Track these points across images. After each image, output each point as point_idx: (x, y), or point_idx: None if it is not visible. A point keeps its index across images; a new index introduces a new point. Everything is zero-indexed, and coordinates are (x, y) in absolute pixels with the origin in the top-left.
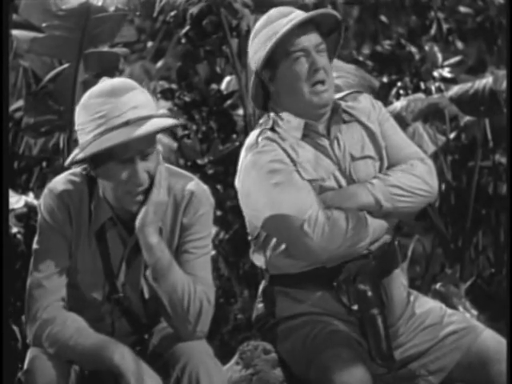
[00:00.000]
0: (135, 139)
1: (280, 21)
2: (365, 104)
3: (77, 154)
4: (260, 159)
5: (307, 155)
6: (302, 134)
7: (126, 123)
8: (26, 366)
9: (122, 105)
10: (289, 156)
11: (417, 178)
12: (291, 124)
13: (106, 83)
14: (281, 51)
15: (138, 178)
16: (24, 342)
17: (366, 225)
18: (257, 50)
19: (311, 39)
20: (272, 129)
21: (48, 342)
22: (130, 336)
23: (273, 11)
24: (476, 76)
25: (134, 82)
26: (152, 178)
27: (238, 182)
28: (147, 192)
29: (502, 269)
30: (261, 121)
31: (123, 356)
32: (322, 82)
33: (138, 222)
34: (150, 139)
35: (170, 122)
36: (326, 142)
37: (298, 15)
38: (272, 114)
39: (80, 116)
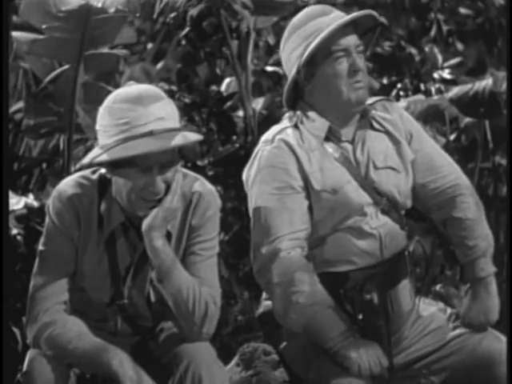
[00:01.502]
0: (158, 151)
1: (321, 19)
2: (394, 115)
3: (99, 154)
4: (266, 159)
5: (322, 164)
6: (325, 136)
7: (150, 133)
8: (25, 368)
9: (148, 114)
10: (300, 165)
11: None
12: (315, 124)
13: (133, 88)
14: (323, 50)
15: (155, 187)
16: (24, 343)
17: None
18: (295, 47)
19: (352, 40)
20: (295, 126)
21: (48, 345)
22: (133, 337)
23: (310, 9)
24: (476, 77)
25: (161, 92)
26: (169, 186)
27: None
28: (161, 198)
29: (502, 270)
30: (286, 115)
31: (122, 362)
32: (360, 82)
33: (144, 224)
34: (171, 152)
35: (193, 137)
36: (348, 147)
37: (339, 15)
38: (298, 112)
39: (103, 118)
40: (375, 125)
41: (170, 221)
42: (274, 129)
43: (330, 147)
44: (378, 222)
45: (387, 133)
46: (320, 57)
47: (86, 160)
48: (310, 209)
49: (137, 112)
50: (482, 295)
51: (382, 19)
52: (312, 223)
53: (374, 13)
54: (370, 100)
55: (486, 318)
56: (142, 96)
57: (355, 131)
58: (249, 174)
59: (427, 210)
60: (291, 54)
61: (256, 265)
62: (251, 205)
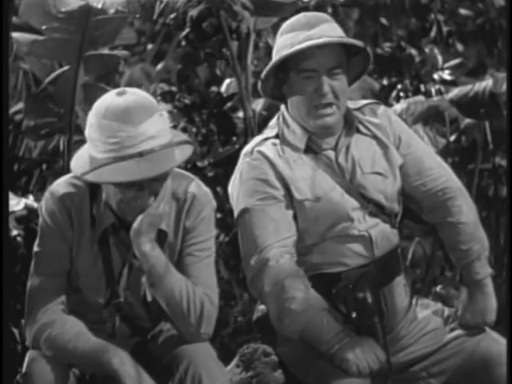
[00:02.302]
0: (145, 178)
1: (303, 32)
2: (382, 119)
3: (87, 172)
4: (247, 172)
5: (303, 173)
6: (306, 145)
7: (140, 154)
8: (24, 369)
9: (138, 135)
10: (280, 175)
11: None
12: (296, 135)
13: (122, 101)
14: (293, 64)
15: (143, 200)
16: (24, 344)
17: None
18: (279, 49)
19: (326, 62)
20: (276, 136)
21: (46, 345)
22: (132, 338)
23: (304, 17)
24: (476, 78)
25: (152, 103)
26: (156, 194)
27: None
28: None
29: (502, 271)
30: (270, 123)
31: (122, 361)
32: (330, 105)
33: (132, 231)
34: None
35: (182, 155)
36: (331, 154)
37: (321, 33)
38: (281, 120)
39: (93, 131)
40: (362, 129)
41: (157, 226)
42: (255, 139)
43: (310, 158)
44: (367, 224)
45: (375, 137)
46: (290, 69)
47: (77, 170)
48: (295, 217)
49: (127, 132)
50: (478, 297)
51: (364, 46)
52: (298, 232)
53: (356, 42)
54: (358, 104)
55: (482, 318)
56: (131, 112)
57: (338, 138)
58: (232, 187)
59: (422, 212)
60: (275, 54)
61: (248, 276)
62: (236, 217)
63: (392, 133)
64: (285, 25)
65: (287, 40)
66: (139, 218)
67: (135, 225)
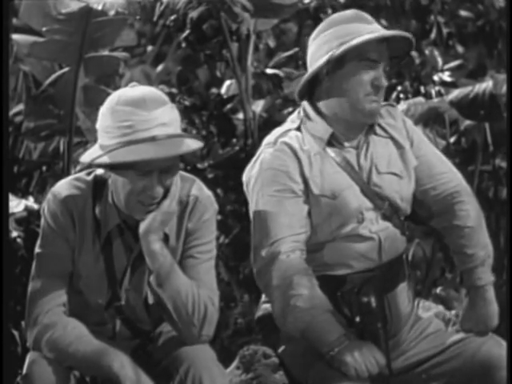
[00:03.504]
0: (160, 159)
1: (363, 25)
2: (398, 121)
3: (99, 155)
4: (268, 162)
5: (322, 168)
6: (327, 141)
7: (153, 139)
8: (24, 371)
9: (151, 119)
10: (301, 168)
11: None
12: (318, 127)
13: (136, 91)
14: (355, 53)
15: (153, 191)
16: (24, 346)
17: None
18: (329, 40)
19: (384, 56)
20: (298, 128)
21: (48, 347)
22: (132, 340)
23: (355, 13)
24: (476, 80)
25: (164, 96)
26: (167, 190)
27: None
28: (159, 202)
29: (502, 273)
30: (291, 117)
31: (123, 364)
32: (376, 97)
33: (142, 228)
34: (172, 158)
35: (194, 145)
36: (352, 152)
37: (379, 27)
38: (302, 114)
39: (105, 118)
40: (379, 131)
41: (167, 224)
42: (277, 131)
43: (332, 151)
44: (379, 227)
45: (391, 138)
46: (350, 59)
47: (86, 159)
48: (310, 213)
49: (140, 116)
50: (480, 303)
51: (413, 50)
52: (311, 227)
53: (412, 38)
54: None
55: (485, 325)
56: (145, 100)
57: (360, 137)
58: (250, 175)
59: (429, 215)
60: (323, 45)
61: (256, 267)
62: (252, 207)
63: (406, 135)
64: (335, 18)
65: (347, 29)
66: (151, 215)
67: (146, 222)
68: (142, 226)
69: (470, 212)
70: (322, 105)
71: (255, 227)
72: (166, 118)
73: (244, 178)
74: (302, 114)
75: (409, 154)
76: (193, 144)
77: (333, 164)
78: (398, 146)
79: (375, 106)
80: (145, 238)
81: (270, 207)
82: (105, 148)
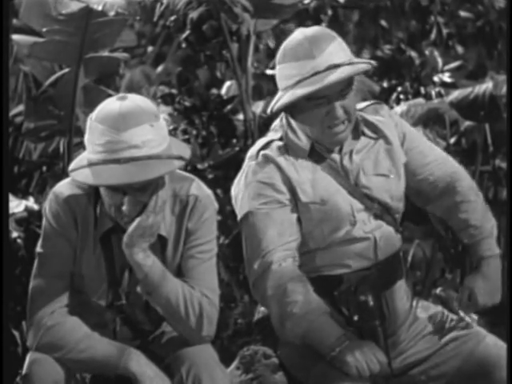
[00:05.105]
0: (122, 184)
1: (309, 62)
2: (386, 117)
3: (73, 169)
4: (252, 175)
5: (308, 175)
6: (310, 148)
7: (117, 161)
8: (24, 371)
9: (121, 141)
10: (286, 178)
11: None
12: (301, 138)
13: (116, 106)
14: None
15: (125, 209)
16: (24, 346)
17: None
18: (288, 76)
19: (336, 86)
20: (281, 139)
21: (55, 348)
22: (133, 341)
23: (305, 41)
24: (476, 81)
25: (146, 113)
26: (145, 205)
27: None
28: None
29: (503, 274)
30: (273, 125)
31: (139, 363)
32: (343, 122)
33: (124, 240)
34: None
35: (165, 168)
36: (336, 157)
37: (328, 61)
38: (284, 122)
39: (87, 130)
40: (367, 132)
41: (147, 237)
42: (260, 143)
43: (315, 159)
44: (372, 226)
45: (379, 135)
46: (298, 100)
47: (74, 175)
48: (299, 220)
49: (110, 137)
50: (494, 275)
51: (372, 67)
52: (301, 235)
53: (358, 70)
54: (361, 105)
55: (498, 296)
56: (121, 118)
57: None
58: (236, 189)
59: (427, 200)
60: (280, 78)
61: (251, 280)
62: (239, 220)
63: (396, 129)
64: (287, 49)
65: (292, 70)
66: (130, 228)
67: (126, 234)
68: (124, 239)
69: (472, 188)
70: (298, 122)
71: (246, 241)
72: (137, 140)
73: (232, 191)
74: (284, 121)
75: (397, 150)
76: (164, 168)
77: (318, 170)
78: (386, 141)
79: (340, 137)
80: (126, 250)
81: (258, 220)
82: (84, 161)
